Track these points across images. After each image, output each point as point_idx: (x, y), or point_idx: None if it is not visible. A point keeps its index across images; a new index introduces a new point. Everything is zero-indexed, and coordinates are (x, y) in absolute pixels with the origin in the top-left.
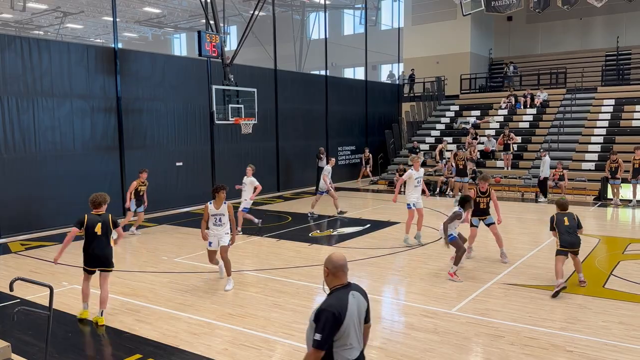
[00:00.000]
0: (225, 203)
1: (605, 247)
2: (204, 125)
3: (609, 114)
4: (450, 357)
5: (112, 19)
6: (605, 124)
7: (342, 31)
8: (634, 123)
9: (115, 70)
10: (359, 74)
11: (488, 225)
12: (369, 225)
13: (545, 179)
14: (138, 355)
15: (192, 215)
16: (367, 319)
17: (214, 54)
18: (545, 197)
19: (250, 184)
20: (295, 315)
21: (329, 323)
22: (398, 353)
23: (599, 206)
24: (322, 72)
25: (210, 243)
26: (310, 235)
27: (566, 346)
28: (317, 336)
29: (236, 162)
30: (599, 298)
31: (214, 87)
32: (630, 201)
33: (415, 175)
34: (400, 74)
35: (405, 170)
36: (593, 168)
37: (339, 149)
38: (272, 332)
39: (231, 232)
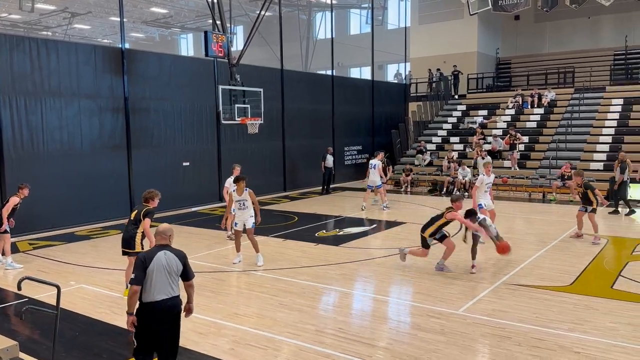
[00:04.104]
0: (246, 190)
1: (614, 248)
2: (210, 125)
3: (618, 114)
4: (456, 358)
5: (119, 19)
6: (614, 123)
7: (349, 31)
8: None
9: (122, 70)
10: (365, 73)
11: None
12: (375, 225)
13: None
14: None
15: (199, 215)
16: (186, 277)
17: (220, 54)
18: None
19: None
20: (301, 315)
21: (138, 265)
22: (404, 353)
23: (607, 206)
24: (329, 72)
25: (236, 224)
26: (316, 235)
27: (573, 347)
28: (132, 275)
29: (242, 162)
30: (607, 299)
31: (220, 87)
32: (639, 202)
33: (486, 180)
34: (408, 73)
35: (411, 170)
36: (602, 168)
37: (346, 149)
38: (278, 332)
39: (255, 215)
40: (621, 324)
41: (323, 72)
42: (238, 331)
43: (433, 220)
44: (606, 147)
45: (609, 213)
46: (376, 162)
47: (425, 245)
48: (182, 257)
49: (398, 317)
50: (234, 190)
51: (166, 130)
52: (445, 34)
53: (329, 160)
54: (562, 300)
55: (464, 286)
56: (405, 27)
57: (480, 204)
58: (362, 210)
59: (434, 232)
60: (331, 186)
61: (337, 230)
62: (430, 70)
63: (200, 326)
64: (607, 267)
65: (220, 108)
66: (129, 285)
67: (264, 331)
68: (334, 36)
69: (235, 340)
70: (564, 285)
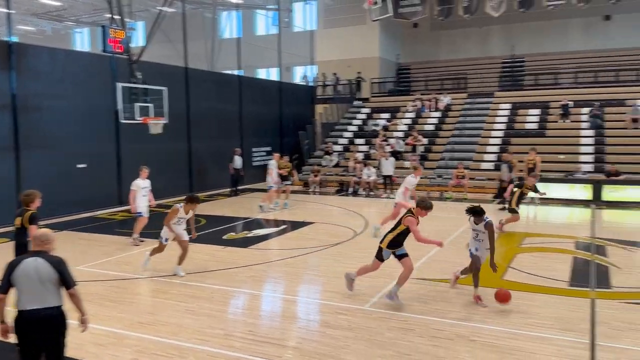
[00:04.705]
0: (192, 211)
1: (503, 242)
2: (108, 124)
3: (506, 117)
4: (364, 352)
5: (6, 10)
6: (503, 126)
7: (255, 31)
8: (527, 126)
9: (9, 65)
10: (272, 75)
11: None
12: (285, 226)
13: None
14: None
15: (97, 220)
16: (65, 286)
17: (119, 50)
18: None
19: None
20: (210, 320)
21: (4, 271)
22: (313, 352)
23: (497, 203)
24: (236, 72)
25: (166, 239)
26: (225, 237)
27: (470, 336)
28: None
29: (145, 164)
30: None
31: (119, 84)
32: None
33: (414, 182)
34: (315, 75)
35: (319, 171)
36: (492, 168)
37: (254, 149)
38: (185, 338)
39: (191, 230)
40: (511, 312)
41: (229, 72)
42: (142, 341)
43: (393, 228)
44: (496, 149)
45: (499, 209)
46: (272, 162)
47: (380, 257)
48: (56, 263)
49: (307, 316)
50: (181, 206)
51: (60, 130)
52: (350, 38)
53: (237, 161)
54: (457, 291)
55: (371, 282)
56: (311, 30)
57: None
58: (267, 211)
59: (393, 242)
60: (240, 187)
61: (246, 232)
62: (335, 74)
63: (100, 337)
64: (497, 259)
65: (120, 106)
66: None
67: (170, 339)
68: (240, 36)
69: (138, 350)
70: (462, 278)
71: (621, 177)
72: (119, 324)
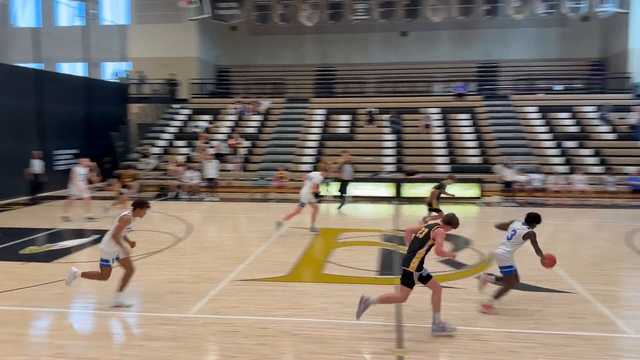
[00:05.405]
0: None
1: (322, 238)
2: None
3: (321, 122)
4: None
5: None
6: (318, 130)
7: (56, 21)
8: (339, 130)
9: None
10: (79, 70)
11: None
12: (98, 235)
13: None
14: None
15: None
16: None
17: None
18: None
19: None
20: (8, 347)
21: None
22: None
23: (318, 202)
24: (33, 65)
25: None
26: (22, 252)
27: (293, 331)
28: None
29: None
30: (318, 283)
31: None
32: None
33: (321, 179)
34: (124, 72)
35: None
36: (310, 169)
37: (57, 152)
38: None
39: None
40: (330, 304)
41: (25, 64)
42: None
43: (417, 246)
44: (313, 151)
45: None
46: (78, 168)
47: (410, 283)
48: None
49: (126, 331)
50: (130, 215)
51: None
52: (166, 36)
53: (37, 165)
54: (282, 289)
55: (193, 289)
56: (123, 25)
57: (303, 203)
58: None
59: (421, 264)
60: (40, 195)
61: (50, 244)
62: (139, 72)
63: None
64: (316, 255)
65: None
66: None
67: None
68: (38, 25)
69: None
70: (284, 275)
71: (417, 176)
72: None
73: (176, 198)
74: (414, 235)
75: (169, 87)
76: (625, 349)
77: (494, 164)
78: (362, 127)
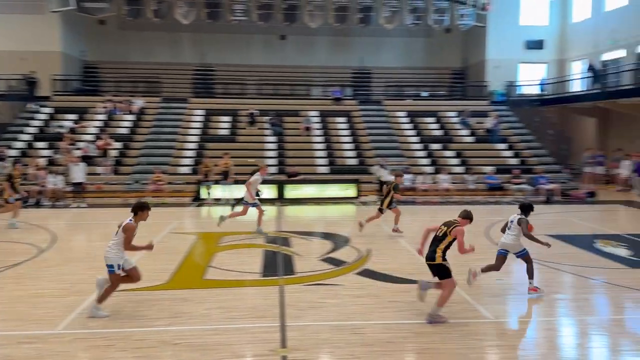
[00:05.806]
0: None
1: (202, 243)
2: None
3: (201, 123)
4: None
5: None
6: (198, 131)
7: None
8: (220, 132)
9: None
10: None
11: None
12: None
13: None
14: None
15: None
16: None
17: None
18: None
19: None
20: None
21: None
22: None
23: (197, 206)
24: None
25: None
26: None
27: (173, 340)
28: None
29: None
30: (200, 289)
31: None
32: (219, 200)
33: (260, 179)
34: None
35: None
36: (189, 172)
37: None
38: None
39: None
40: (213, 309)
41: None
42: None
43: (437, 243)
44: (192, 153)
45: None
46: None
47: (446, 272)
48: None
49: None
50: (131, 221)
51: None
52: (24, 28)
53: None
54: (160, 298)
55: (60, 303)
56: None
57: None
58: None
59: (444, 254)
60: None
61: None
62: None
63: None
64: (197, 260)
65: None
66: None
67: None
68: None
69: None
70: (162, 283)
71: (299, 177)
72: None
73: (38, 205)
74: (433, 234)
75: (27, 83)
76: (486, 332)
77: (370, 165)
78: (243, 128)
